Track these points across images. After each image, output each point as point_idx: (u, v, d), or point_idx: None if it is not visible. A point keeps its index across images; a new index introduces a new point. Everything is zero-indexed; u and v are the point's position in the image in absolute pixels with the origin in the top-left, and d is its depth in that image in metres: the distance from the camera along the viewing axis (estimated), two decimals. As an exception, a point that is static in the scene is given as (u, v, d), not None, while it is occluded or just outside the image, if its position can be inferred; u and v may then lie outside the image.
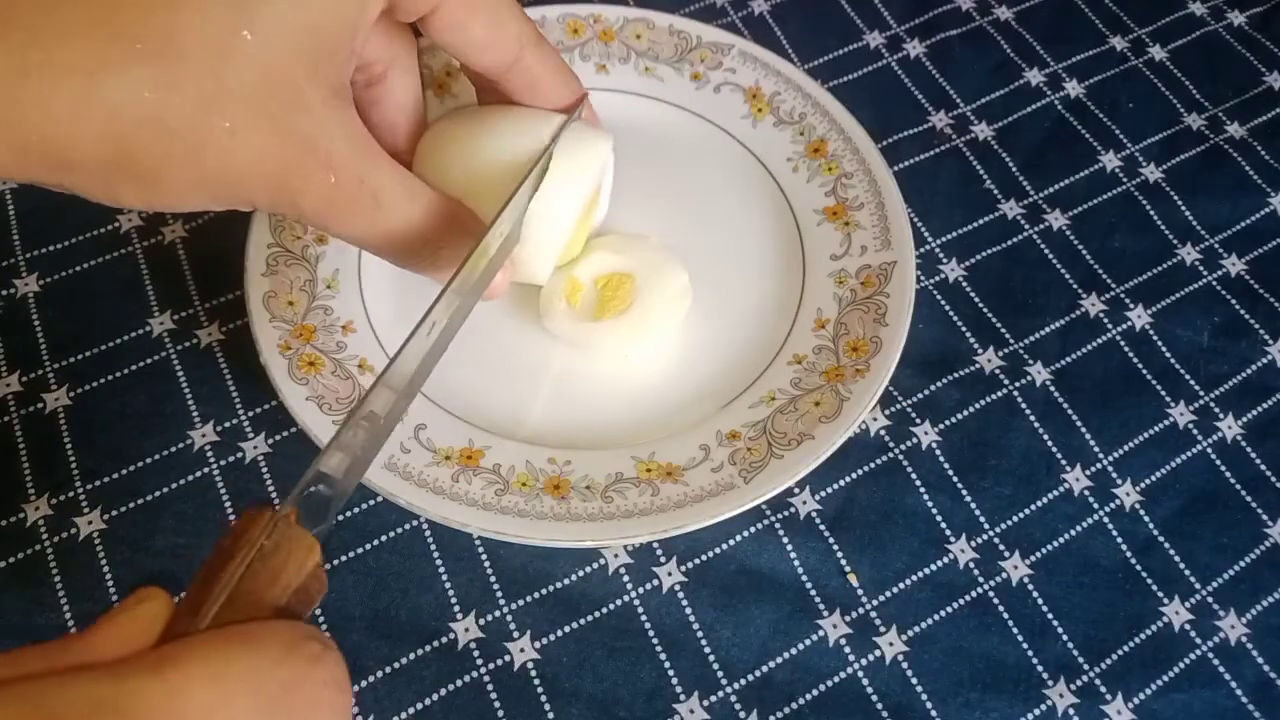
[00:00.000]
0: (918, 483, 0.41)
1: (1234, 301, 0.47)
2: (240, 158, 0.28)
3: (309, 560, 0.25)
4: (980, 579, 0.40)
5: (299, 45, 0.28)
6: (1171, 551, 0.41)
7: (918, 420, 0.43)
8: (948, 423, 0.43)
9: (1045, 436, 0.43)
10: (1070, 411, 0.43)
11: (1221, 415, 0.44)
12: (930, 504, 0.41)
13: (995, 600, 0.39)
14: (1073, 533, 0.41)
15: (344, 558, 0.39)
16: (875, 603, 0.39)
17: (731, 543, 0.40)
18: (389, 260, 0.35)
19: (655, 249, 0.43)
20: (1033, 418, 0.43)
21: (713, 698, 0.37)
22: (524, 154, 0.37)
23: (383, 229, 0.33)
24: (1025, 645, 0.38)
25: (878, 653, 0.38)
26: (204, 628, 0.23)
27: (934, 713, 0.37)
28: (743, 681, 0.37)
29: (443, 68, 0.47)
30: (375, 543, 0.39)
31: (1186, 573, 0.40)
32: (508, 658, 0.37)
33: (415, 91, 0.38)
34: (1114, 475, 0.42)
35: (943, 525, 0.41)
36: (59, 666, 0.21)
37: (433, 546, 0.39)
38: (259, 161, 0.29)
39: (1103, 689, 0.38)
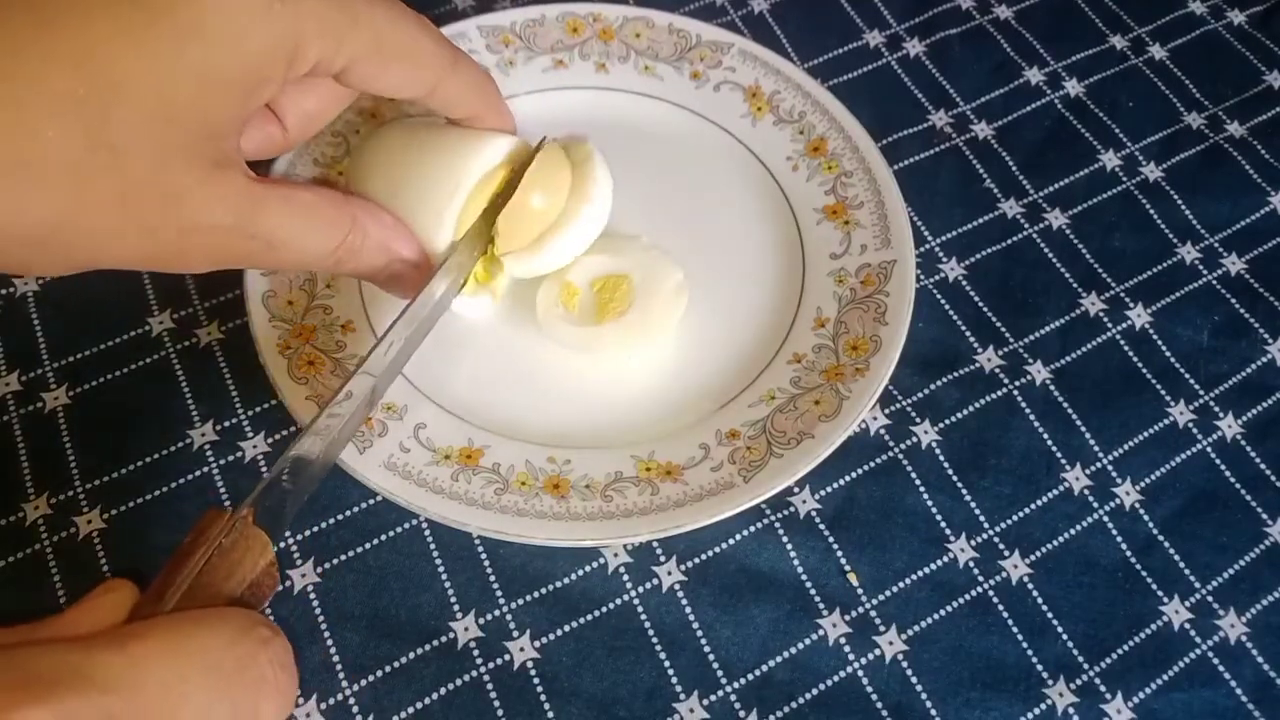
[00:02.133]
0: (917, 482, 0.41)
1: (1234, 300, 0.47)
2: (108, 255, 0.29)
3: (262, 558, 0.28)
4: (980, 578, 0.40)
5: (170, 145, 0.28)
6: (1171, 551, 0.41)
7: (917, 419, 0.43)
8: (947, 422, 0.43)
9: (1045, 436, 0.43)
10: (1070, 411, 0.43)
11: (1221, 414, 0.44)
12: (930, 503, 0.41)
13: (995, 599, 0.39)
14: (1072, 532, 0.41)
15: (343, 556, 0.39)
16: (875, 602, 0.39)
17: (731, 542, 0.40)
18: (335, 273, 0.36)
19: (647, 248, 0.43)
20: (1032, 417, 0.43)
21: (712, 697, 0.37)
22: (450, 177, 0.37)
23: (292, 261, 0.33)
24: (1025, 644, 0.38)
25: (877, 652, 0.38)
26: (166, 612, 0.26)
27: (934, 712, 0.37)
28: (742, 681, 0.37)
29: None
30: (375, 542, 0.39)
31: (1186, 572, 0.40)
32: (507, 657, 0.37)
33: (326, 116, 0.37)
34: (1114, 474, 0.42)
35: (942, 524, 0.41)
36: (33, 640, 0.23)
37: (432, 546, 0.39)
38: (131, 253, 0.29)
39: (1102, 688, 0.38)
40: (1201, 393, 0.44)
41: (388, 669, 0.37)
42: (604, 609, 0.38)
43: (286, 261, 0.33)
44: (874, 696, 0.37)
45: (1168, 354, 0.45)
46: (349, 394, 0.34)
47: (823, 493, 0.41)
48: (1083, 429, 0.43)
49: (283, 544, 0.39)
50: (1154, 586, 0.40)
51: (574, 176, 0.41)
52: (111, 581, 0.26)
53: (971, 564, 0.40)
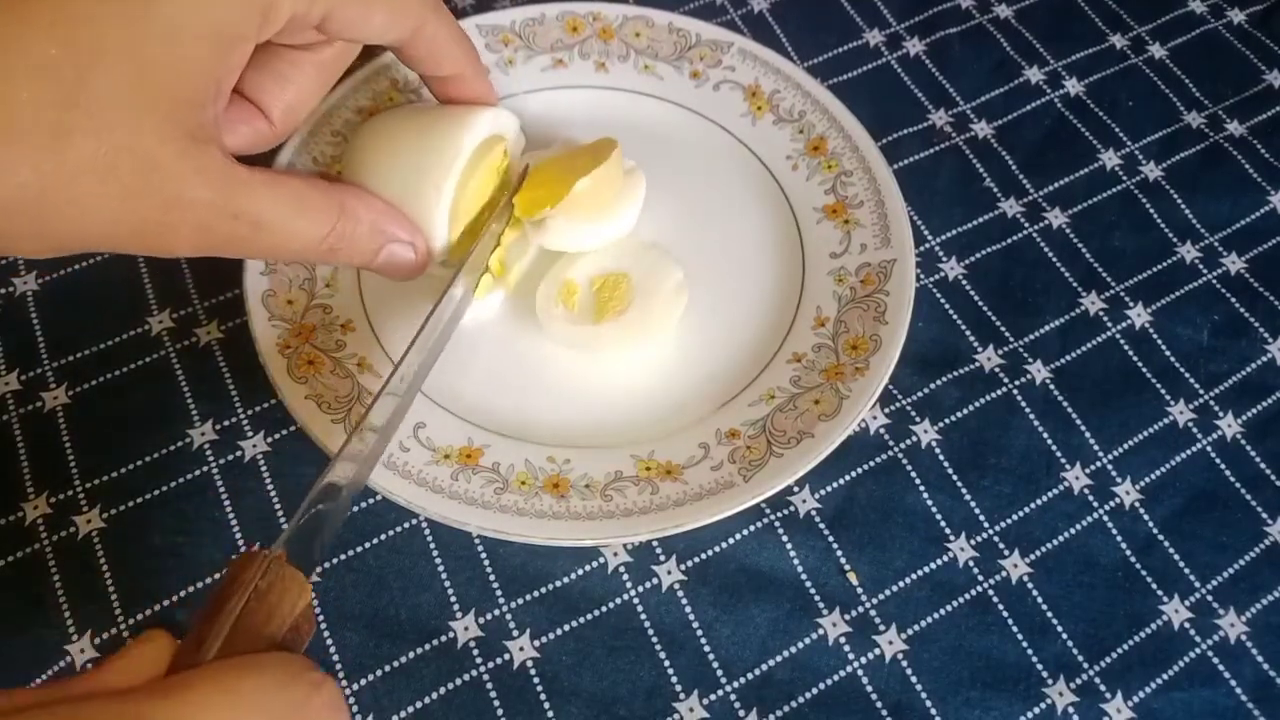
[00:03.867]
0: (917, 481, 0.41)
1: (1234, 300, 0.47)
2: (92, 228, 0.28)
3: (300, 599, 0.27)
4: (980, 577, 0.40)
5: (144, 109, 0.27)
6: (1171, 550, 0.41)
7: (917, 419, 0.43)
8: (947, 421, 0.43)
9: (1045, 435, 0.43)
10: (1070, 410, 0.43)
11: (1221, 414, 0.44)
12: (930, 502, 0.41)
13: (995, 599, 0.39)
14: (1072, 531, 0.41)
15: (343, 556, 0.39)
16: (875, 601, 0.39)
17: (731, 541, 0.40)
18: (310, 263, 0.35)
19: (647, 247, 0.43)
20: (1032, 416, 0.43)
21: (712, 696, 0.37)
22: (444, 151, 0.37)
23: (282, 247, 0.33)
24: (1025, 644, 0.38)
25: (877, 651, 0.38)
26: (208, 661, 0.25)
27: (933, 711, 0.37)
28: (742, 680, 0.37)
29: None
30: (374, 541, 0.39)
31: (1186, 571, 0.40)
32: (507, 656, 0.37)
33: (312, 100, 0.37)
34: (1114, 474, 0.42)
35: (942, 524, 0.41)
36: (74, 695, 0.23)
37: (432, 545, 0.39)
38: (114, 227, 0.28)
39: (1102, 687, 0.38)
40: (1201, 392, 0.44)
41: (387, 668, 0.37)
42: (604, 608, 0.38)
43: (276, 247, 0.33)
44: (874, 696, 0.37)
45: (1167, 353, 0.45)
46: (374, 420, 0.34)
47: (822, 492, 0.41)
48: (1082, 428, 0.43)
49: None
50: (1154, 586, 0.40)
51: (620, 175, 0.42)
52: (148, 633, 0.26)
53: (971, 563, 0.40)
